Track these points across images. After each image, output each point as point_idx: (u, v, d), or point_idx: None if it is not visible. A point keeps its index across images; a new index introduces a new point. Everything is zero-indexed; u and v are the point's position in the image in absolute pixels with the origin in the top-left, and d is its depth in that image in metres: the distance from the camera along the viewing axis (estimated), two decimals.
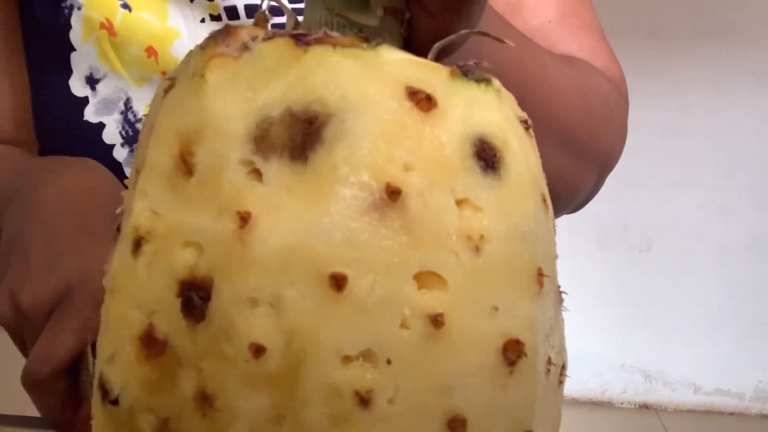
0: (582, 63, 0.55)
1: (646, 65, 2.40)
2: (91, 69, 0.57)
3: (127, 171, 0.56)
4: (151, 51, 0.55)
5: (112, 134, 0.57)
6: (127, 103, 0.57)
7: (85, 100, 0.57)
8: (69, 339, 0.41)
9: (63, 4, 0.56)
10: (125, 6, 0.56)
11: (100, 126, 0.57)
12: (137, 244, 0.24)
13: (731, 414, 2.53)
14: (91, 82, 0.57)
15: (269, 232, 0.22)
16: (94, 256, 0.41)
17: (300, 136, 0.22)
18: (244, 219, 0.22)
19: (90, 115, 0.57)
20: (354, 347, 0.21)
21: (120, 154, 0.57)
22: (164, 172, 0.24)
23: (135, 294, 0.24)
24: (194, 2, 0.56)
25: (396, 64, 0.23)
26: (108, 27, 0.55)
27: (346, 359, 0.21)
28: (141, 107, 0.57)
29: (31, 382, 0.42)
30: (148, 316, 0.23)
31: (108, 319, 0.24)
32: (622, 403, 2.57)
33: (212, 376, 0.22)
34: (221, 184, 0.22)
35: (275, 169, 0.22)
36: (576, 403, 2.46)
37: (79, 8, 0.56)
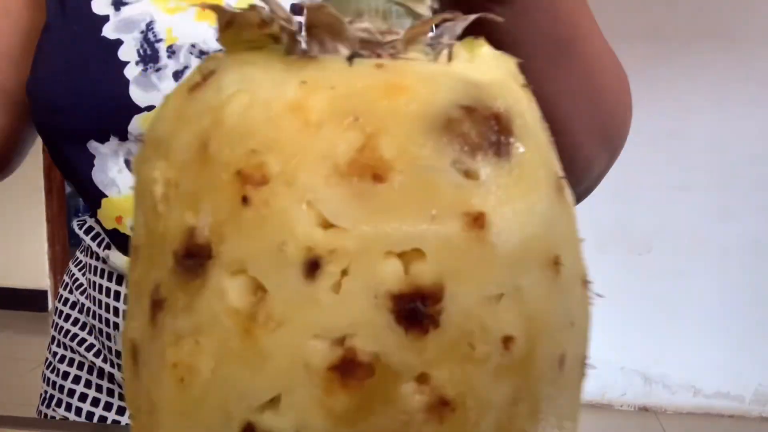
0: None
1: (647, 68, 2.40)
2: None
3: (133, 90, 0.55)
4: None
5: (128, 52, 0.56)
6: (150, 25, 0.56)
7: (105, 18, 0.57)
8: None
9: None
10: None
11: (118, 42, 0.56)
12: (312, 267, 0.21)
13: (731, 417, 2.53)
14: (118, 4, 0.57)
15: (505, 228, 0.22)
16: None
17: (494, 132, 0.23)
18: (477, 219, 0.22)
19: (108, 31, 0.56)
20: (570, 316, 0.25)
21: (132, 71, 0.56)
22: (341, 180, 0.22)
23: (315, 322, 0.21)
24: None
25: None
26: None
27: (569, 326, 0.25)
28: (164, 30, 0.56)
29: None
30: (342, 342, 0.21)
31: (263, 358, 0.22)
32: (621, 406, 2.57)
33: (453, 380, 0.22)
34: (436, 187, 0.22)
35: (486, 166, 0.22)
36: None
37: None
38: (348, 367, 0.21)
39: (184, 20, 0.56)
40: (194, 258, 0.22)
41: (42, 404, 0.68)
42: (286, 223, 0.21)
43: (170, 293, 0.23)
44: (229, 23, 0.25)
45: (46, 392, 0.68)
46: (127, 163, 0.56)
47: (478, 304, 0.22)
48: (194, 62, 0.55)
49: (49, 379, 0.68)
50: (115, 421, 0.64)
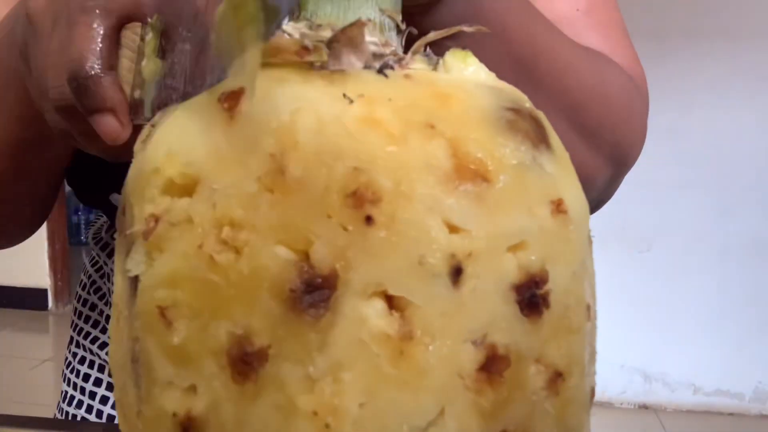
0: (602, 54, 0.54)
1: (646, 66, 2.39)
2: None
3: None
4: None
5: None
6: None
7: None
8: None
9: None
10: None
11: None
12: (457, 273, 0.22)
13: (730, 414, 2.53)
14: None
15: (575, 209, 0.25)
16: None
17: (539, 128, 0.25)
18: (559, 205, 0.24)
19: None
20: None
21: None
22: (455, 186, 0.22)
23: (465, 327, 0.22)
24: None
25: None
26: None
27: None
28: None
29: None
30: (483, 341, 0.22)
31: (421, 375, 0.21)
32: (621, 404, 2.57)
33: (560, 353, 0.24)
34: (526, 181, 0.24)
35: (546, 157, 0.25)
36: None
37: None
38: (491, 364, 0.22)
39: None
40: (317, 291, 0.21)
41: (63, 401, 0.68)
42: (422, 236, 0.21)
43: (278, 339, 0.21)
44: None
45: (66, 392, 0.68)
46: None
47: (571, 280, 0.24)
48: None
49: (69, 379, 0.68)
50: None
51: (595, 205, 0.57)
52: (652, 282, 2.50)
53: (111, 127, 0.31)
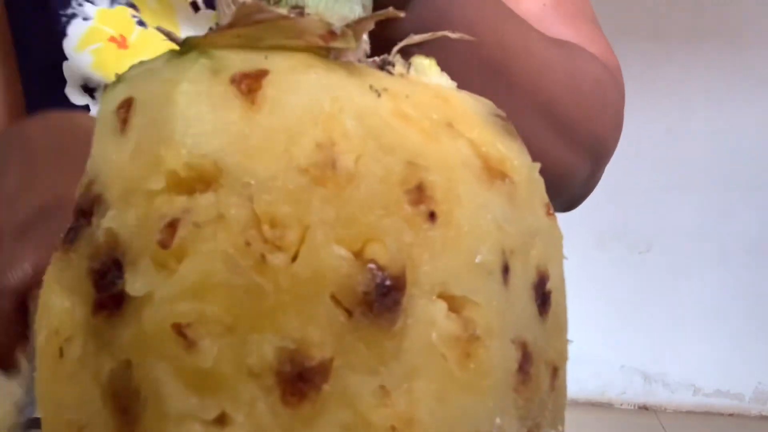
0: (574, 46, 0.53)
1: (646, 66, 2.40)
2: (84, 79, 0.57)
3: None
4: None
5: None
6: None
7: (86, 108, 0.57)
8: (29, 256, 0.35)
9: (62, 12, 0.56)
10: (141, 23, 0.56)
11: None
12: (506, 271, 0.22)
13: (730, 415, 2.53)
14: (88, 90, 0.57)
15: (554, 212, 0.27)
16: (73, 182, 0.38)
17: (513, 128, 0.26)
18: (548, 207, 0.25)
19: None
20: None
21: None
22: (491, 184, 0.23)
23: (512, 326, 0.22)
24: (198, 13, 0.56)
25: None
26: (120, 41, 0.55)
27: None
28: None
29: None
30: (519, 339, 0.22)
31: (483, 377, 0.21)
32: (621, 404, 2.57)
33: (557, 350, 0.24)
34: (531, 184, 0.25)
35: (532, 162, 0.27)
36: (575, 404, 2.46)
37: (86, 19, 0.55)
38: (524, 363, 0.22)
39: None
40: (390, 294, 0.19)
41: None
42: (477, 233, 0.21)
43: (344, 350, 0.19)
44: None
45: None
46: None
47: (561, 279, 0.25)
48: None
49: None
50: None
51: (575, 200, 0.56)
52: (651, 283, 2.50)
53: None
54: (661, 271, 2.50)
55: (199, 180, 0.20)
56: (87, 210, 0.22)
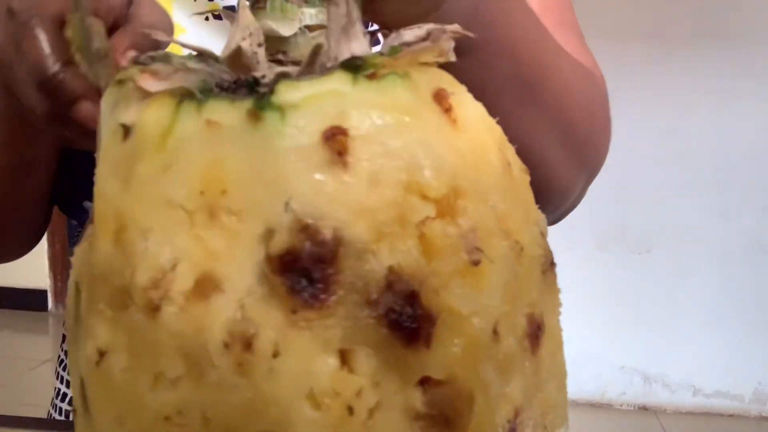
0: (582, 64, 0.54)
1: (646, 67, 2.40)
2: None
3: None
4: None
5: None
6: None
7: None
8: None
9: None
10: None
11: None
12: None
13: (730, 416, 2.53)
14: None
15: None
16: None
17: None
18: None
19: None
20: None
21: None
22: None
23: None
24: (197, 1, 0.56)
25: None
26: None
27: None
28: None
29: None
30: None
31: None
32: (621, 405, 2.57)
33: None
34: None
35: None
36: (575, 404, 2.46)
37: None
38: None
39: None
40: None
41: (57, 398, 0.68)
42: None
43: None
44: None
45: (59, 389, 0.69)
46: None
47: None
48: None
49: (62, 377, 0.69)
50: None
51: (566, 213, 0.58)
52: (651, 283, 2.50)
53: (88, 111, 0.34)
54: (660, 272, 2.50)
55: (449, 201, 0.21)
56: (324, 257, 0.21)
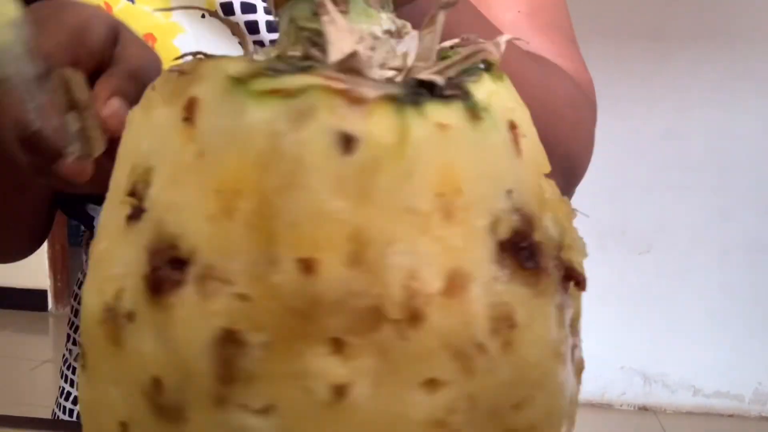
0: (548, 61, 0.53)
1: (646, 68, 2.40)
2: None
3: None
4: (149, 37, 0.55)
5: None
6: None
7: None
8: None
9: None
10: None
11: None
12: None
13: (730, 416, 2.53)
14: None
15: None
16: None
17: None
18: None
19: None
20: None
21: None
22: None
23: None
24: None
25: None
26: (106, 8, 0.55)
27: None
28: None
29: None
30: None
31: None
32: (621, 405, 2.57)
33: None
34: None
35: None
36: None
37: None
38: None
39: None
40: None
41: (61, 397, 0.69)
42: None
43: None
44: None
45: (63, 388, 0.69)
46: None
47: None
48: None
49: (66, 376, 0.69)
50: None
51: None
52: (651, 283, 2.50)
53: (73, 167, 0.33)
54: (660, 272, 2.50)
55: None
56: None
